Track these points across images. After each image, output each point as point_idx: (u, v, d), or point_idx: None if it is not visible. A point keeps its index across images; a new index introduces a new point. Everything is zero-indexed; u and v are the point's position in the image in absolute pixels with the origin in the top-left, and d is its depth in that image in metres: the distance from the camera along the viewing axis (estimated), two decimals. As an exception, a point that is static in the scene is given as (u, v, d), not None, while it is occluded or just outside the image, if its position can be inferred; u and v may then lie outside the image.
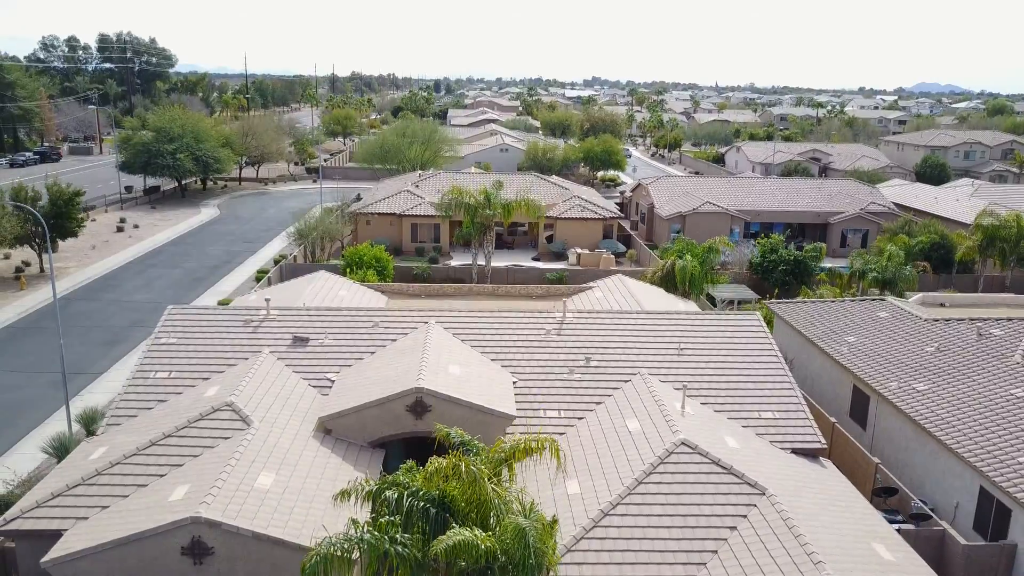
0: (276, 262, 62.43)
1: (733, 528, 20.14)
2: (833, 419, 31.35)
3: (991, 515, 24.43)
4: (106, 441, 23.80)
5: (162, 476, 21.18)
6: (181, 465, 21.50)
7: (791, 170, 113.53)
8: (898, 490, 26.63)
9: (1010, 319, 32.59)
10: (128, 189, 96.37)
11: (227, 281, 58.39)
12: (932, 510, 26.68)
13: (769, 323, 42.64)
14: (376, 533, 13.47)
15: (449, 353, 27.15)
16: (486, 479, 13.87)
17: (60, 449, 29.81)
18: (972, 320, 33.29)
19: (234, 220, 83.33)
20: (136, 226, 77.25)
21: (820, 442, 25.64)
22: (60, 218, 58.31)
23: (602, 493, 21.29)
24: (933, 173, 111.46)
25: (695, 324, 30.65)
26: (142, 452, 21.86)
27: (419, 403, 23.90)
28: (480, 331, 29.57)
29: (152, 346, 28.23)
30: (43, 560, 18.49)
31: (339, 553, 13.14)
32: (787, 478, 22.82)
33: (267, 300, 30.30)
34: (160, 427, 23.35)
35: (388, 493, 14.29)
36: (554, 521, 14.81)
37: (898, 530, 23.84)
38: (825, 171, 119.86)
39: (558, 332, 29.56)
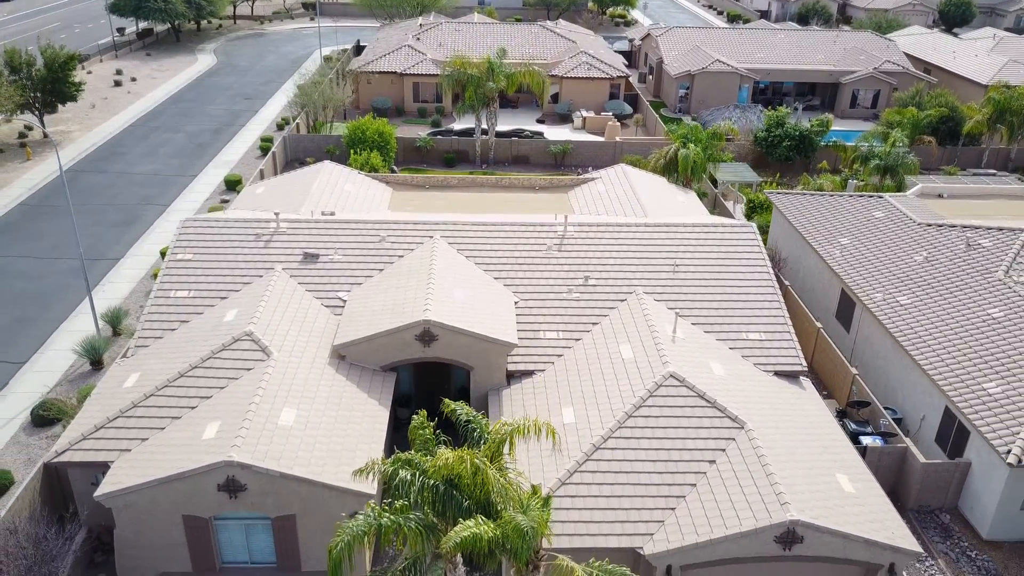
0: (279, 127, 62.18)
1: (712, 462, 22.28)
2: (819, 324, 33.10)
3: (952, 432, 26.64)
4: (136, 366, 25.64)
5: (193, 408, 23.16)
6: (209, 397, 23.42)
7: (808, 8, 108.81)
8: (871, 403, 28.76)
9: (1000, 228, 33.36)
10: (120, 31, 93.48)
11: (231, 149, 58.36)
12: (900, 420, 28.99)
13: (768, 208, 43.50)
14: (392, 517, 15.45)
15: (454, 275, 28.39)
16: (488, 468, 15.64)
17: (91, 351, 31.98)
18: (964, 227, 34.11)
19: (232, 70, 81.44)
20: (133, 79, 75.82)
21: (801, 364, 27.41)
22: (57, 83, 57.39)
23: (595, 425, 23.30)
24: (957, 12, 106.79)
25: (691, 237, 31.56)
26: (172, 384, 23.71)
27: (427, 333, 25.48)
28: (483, 246, 30.60)
29: (169, 262, 29.45)
30: (96, 494, 20.81)
31: (361, 535, 15.18)
32: (767, 406, 24.76)
33: (276, 214, 31.11)
34: (185, 354, 25.11)
35: (402, 473, 16.14)
36: (548, 498, 16.77)
37: (865, 448, 26.24)
38: (844, 9, 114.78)
39: (559, 248, 30.61)
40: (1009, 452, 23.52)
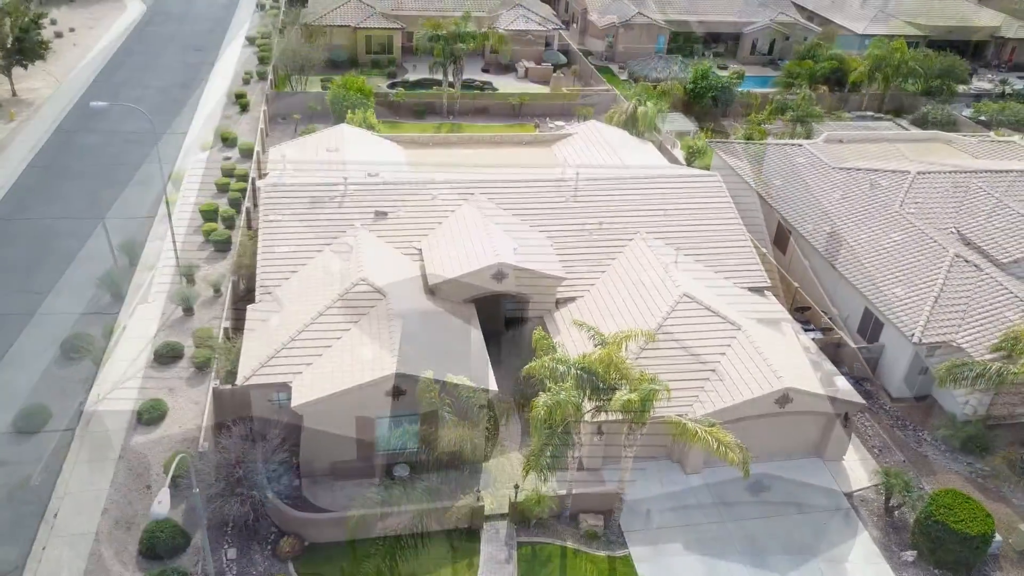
0: (245, 81, 65.74)
1: (723, 354, 31.42)
2: (765, 250, 42.87)
3: (870, 326, 37.07)
4: (271, 310, 32.00)
5: (339, 339, 30.06)
6: (347, 330, 30.35)
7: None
8: (811, 307, 38.86)
9: (894, 171, 43.83)
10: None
11: (207, 104, 61.59)
12: (832, 319, 39.29)
13: (705, 154, 52.66)
14: (565, 394, 23.69)
15: (504, 225, 35.89)
16: (622, 361, 24.00)
17: (183, 300, 37.51)
18: (868, 171, 44.37)
19: (167, 18, 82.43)
20: (72, 29, 76.09)
21: (766, 281, 36.92)
22: (25, 43, 58.63)
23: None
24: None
25: (673, 184, 40.23)
26: (316, 322, 30.39)
27: (500, 273, 33.11)
28: (515, 199, 38.09)
29: (265, 223, 35.44)
30: (293, 404, 27.67)
31: (558, 403, 23.41)
32: (750, 313, 34.13)
33: (345, 178, 37.36)
34: (311, 299, 31.70)
35: (555, 366, 24.34)
36: (654, 377, 25.33)
37: (813, 339, 36.25)
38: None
39: (574, 198, 38.57)
40: (913, 335, 34.00)
